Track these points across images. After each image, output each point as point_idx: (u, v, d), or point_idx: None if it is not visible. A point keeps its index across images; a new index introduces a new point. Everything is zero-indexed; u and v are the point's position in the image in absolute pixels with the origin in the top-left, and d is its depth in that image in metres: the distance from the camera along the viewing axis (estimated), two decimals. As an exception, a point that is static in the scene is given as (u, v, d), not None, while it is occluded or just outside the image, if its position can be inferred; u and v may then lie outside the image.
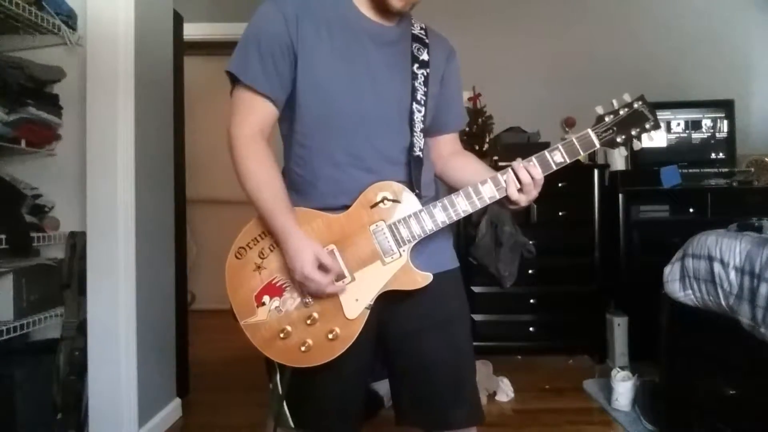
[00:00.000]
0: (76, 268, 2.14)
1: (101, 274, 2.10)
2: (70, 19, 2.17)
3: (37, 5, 2.03)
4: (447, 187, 1.30)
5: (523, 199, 1.14)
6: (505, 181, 1.13)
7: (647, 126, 1.17)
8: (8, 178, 2.15)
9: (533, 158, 1.14)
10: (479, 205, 1.14)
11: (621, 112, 1.17)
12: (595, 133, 1.16)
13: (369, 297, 1.12)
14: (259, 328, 1.13)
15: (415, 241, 1.12)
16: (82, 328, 2.12)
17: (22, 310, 2.01)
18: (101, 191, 2.11)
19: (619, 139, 1.16)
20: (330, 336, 1.11)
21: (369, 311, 1.12)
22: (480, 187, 1.13)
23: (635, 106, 1.17)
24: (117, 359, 2.11)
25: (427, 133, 1.29)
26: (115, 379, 2.11)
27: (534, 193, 1.14)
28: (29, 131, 2.07)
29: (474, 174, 1.21)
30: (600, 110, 1.18)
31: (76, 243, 2.15)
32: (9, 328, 1.92)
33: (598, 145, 1.15)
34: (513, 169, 1.13)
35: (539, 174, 1.13)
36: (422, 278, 1.12)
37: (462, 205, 1.13)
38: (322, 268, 1.08)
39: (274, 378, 1.21)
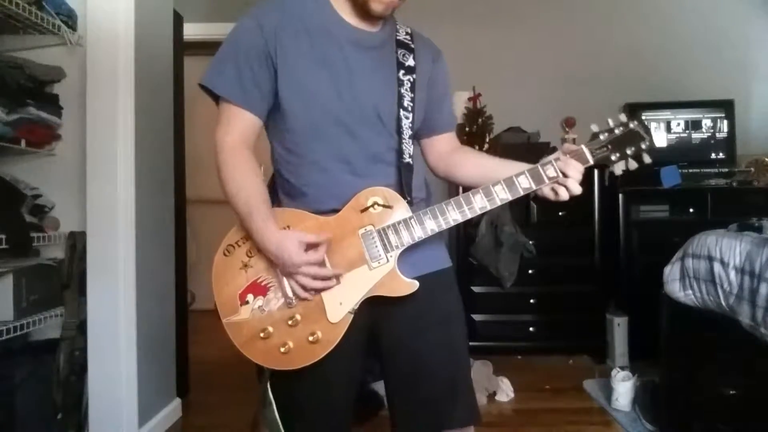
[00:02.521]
0: (76, 268, 2.14)
1: (101, 274, 2.10)
2: (70, 19, 2.17)
3: (37, 5, 2.03)
4: (448, 186, 1.30)
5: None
6: (495, 192, 1.13)
7: (642, 146, 1.17)
8: (8, 178, 2.14)
9: (526, 172, 1.14)
10: (470, 215, 1.13)
11: (616, 131, 1.16)
12: (589, 149, 1.15)
13: (353, 301, 1.11)
14: (241, 327, 1.12)
15: (403, 248, 1.12)
16: (82, 328, 2.12)
17: (22, 310, 2.01)
18: (101, 191, 2.11)
19: (613, 157, 1.16)
20: (311, 339, 1.10)
21: (353, 316, 1.11)
22: (471, 197, 1.13)
23: (631, 125, 1.17)
24: (117, 359, 2.11)
25: (421, 135, 1.30)
26: (115, 379, 2.11)
27: None
28: (29, 131, 2.07)
29: (475, 169, 1.26)
30: (595, 128, 1.18)
31: (76, 243, 2.15)
32: (9, 328, 1.92)
33: (591, 162, 1.15)
34: (503, 183, 1.13)
35: (531, 190, 1.14)
36: (408, 286, 1.12)
37: (452, 215, 1.13)
38: (310, 248, 1.08)
39: (265, 384, 1.20)
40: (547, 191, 1.16)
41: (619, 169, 1.18)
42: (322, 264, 1.10)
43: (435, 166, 1.34)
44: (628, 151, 1.16)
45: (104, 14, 2.10)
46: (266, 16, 1.12)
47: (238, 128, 1.14)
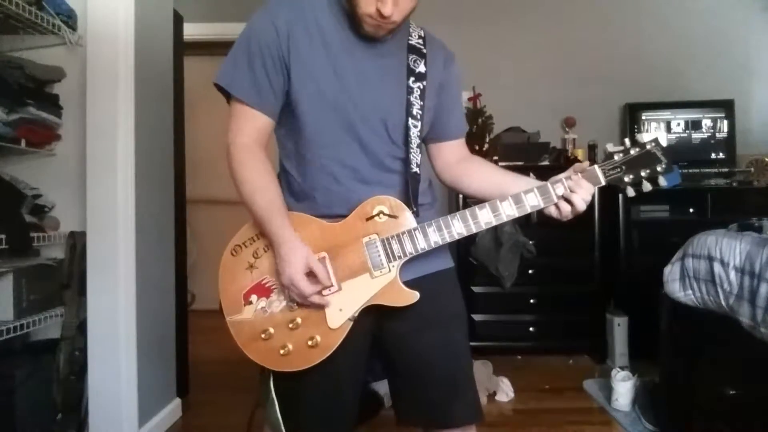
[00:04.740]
0: (76, 268, 2.14)
1: (101, 274, 2.10)
2: (70, 19, 2.17)
3: (37, 5, 2.03)
4: (453, 192, 1.29)
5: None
6: (502, 208, 1.13)
7: (659, 169, 1.13)
8: (8, 178, 2.14)
9: (534, 189, 1.12)
10: (474, 230, 1.13)
11: (632, 152, 1.13)
12: (602, 170, 1.13)
13: (353, 308, 1.12)
14: (243, 327, 1.13)
15: (406, 258, 1.12)
16: (82, 328, 2.12)
17: (22, 310, 2.01)
18: (101, 191, 2.11)
19: (626, 179, 1.13)
20: (310, 343, 1.11)
21: (352, 323, 1.12)
22: (477, 211, 1.13)
23: (648, 147, 1.13)
24: (117, 359, 2.11)
25: (428, 141, 1.29)
26: (115, 379, 2.11)
27: None
28: (29, 131, 2.07)
29: (482, 183, 1.24)
30: (610, 147, 1.15)
31: (76, 243, 2.15)
32: (9, 328, 1.92)
33: (603, 182, 1.13)
34: (511, 199, 1.13)
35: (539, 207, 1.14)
36: (408, 296, 1.12)
37: (457, 228, 1.12)
38: (311, 275, 1.09)
39: (268, 383, 1.21)
40: (551, 209, 1.14)
41: (632, 191, 1.14)
42: (317, 293, 1.10)
43: (441, 173, 1.33)
44: (643, 173, 1.13)
45: (104, 14, 2.10)
46: (281, 14, 1.11)
47: (251, 129, 1.14)
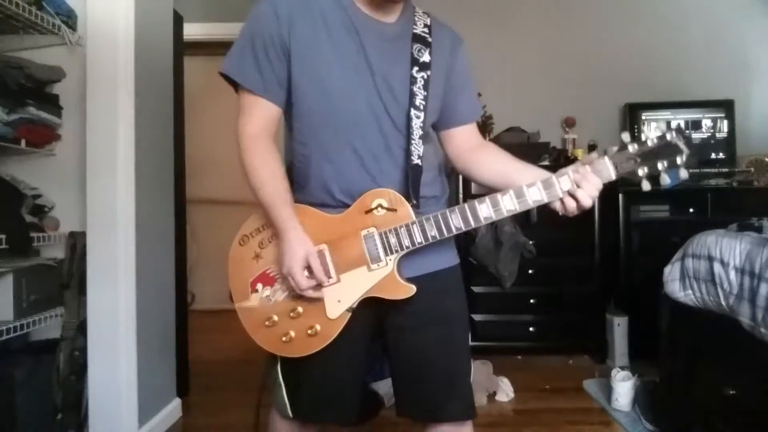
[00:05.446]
0: (76, 268, 2.14)
1: (101, 274, 2.10)
2: (70, 19, 2.17)
3: (37, 5, 2.03)
4: (453, 185, 1.29)
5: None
6: (503, 203, 1.09)
7: (678, 160, 1.01)
8: (8, 178, 2.14)
9: (538, 182, 1.07)
10: (473, 225, 1.10)
11: (648, 143, 1.02)
12: (613, 162, 1.03)
13: (351, 300, 1.13)
14: (250, 313, 1.18)
15: (404, 252, 1.12)
16: (82, 328, 2.12)
17: (22, 310, 2.01)
18: (101, 191, 2.11)
19: (641, 172, 1.02)
20: (310, 332, 1.14)
21: (350, 314, 1.14)
22: (477, 206, 1.10)
23: (668, 137, 1.02)
24: (117, 359, 2.11)
25: (438, 128, 1.28)
26: (115, 379, 2.11)
27: None
28: (29, 131, 2.07)
29: (493, 172, 1.21)
30: (625, 137, 1.03)
31: (76, 243, 2.15)
32: (9, 328, 1.92)
33: (614, 176, 1.03)
34: (513, 193, 1.09)
35: (543, 202, 1.09)
36: (405, 290, 1.12)
37: (455, 223, 1.11)
38: (308, 270, 1.11)
39: (276, 367, 1.25)
40: (556, 204, 1.09)
41: (647, 184, 1.03)
42: (316, 288, 1.12)
43: (454, 160, 1.30)
44: (660, 166, 1.02)
45: (104, 14, 2.10)
46: (281, 2, 1.11)
47: (259, 118, 1.15)
